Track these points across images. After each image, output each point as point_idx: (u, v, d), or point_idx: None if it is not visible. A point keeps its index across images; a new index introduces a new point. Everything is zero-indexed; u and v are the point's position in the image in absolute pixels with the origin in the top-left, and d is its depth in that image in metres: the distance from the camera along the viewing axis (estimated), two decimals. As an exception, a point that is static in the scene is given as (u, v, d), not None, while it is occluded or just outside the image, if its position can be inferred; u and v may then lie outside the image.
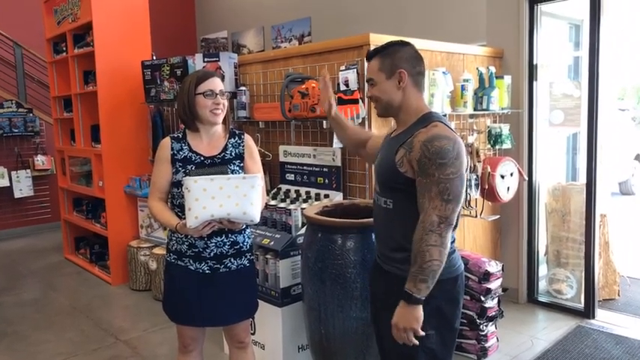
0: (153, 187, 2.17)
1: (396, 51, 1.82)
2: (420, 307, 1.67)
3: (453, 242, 1.84)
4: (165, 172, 2.13)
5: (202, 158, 2.13)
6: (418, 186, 1.70)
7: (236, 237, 2.18)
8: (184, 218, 2.02)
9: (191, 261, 2.13)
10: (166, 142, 2.16)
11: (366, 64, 1.94)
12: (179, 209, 2.13)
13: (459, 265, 1.85)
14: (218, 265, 2.14)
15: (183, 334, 2.24)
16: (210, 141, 2.17)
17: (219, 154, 2.16)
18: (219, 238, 2.13)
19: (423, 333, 1.69)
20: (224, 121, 2.19)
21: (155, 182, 2.16)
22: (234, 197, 1.97)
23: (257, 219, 2.05)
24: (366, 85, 2.85)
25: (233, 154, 2.18)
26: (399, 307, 1.70)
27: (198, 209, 1.94)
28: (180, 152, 2.13)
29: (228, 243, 2.15)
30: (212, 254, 2.13)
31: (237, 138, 2.22)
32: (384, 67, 1.82)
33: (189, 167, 2.10)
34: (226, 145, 2.18)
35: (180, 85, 3.53)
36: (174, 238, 2.17)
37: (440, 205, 1.64)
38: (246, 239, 2.23)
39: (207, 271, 2.13)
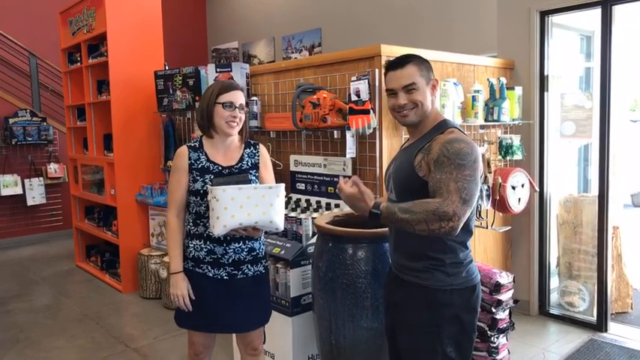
0: (171, 199, 2.19)
1: (426, 60, 1.83)
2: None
3: (469, 251, 1.84)
4: (184, 182, 2.15)
5: (220, 168, 2.16)
6: (431, 180, 1.66)
7: (253, 243, 2.21)
8: (204, 226, 2.11)
9: (209, 267, 2.15)
10: (184, 150, 2.18)
11: (398, 70, 1.80)
12: (195, 216, 2.16)
13: (476, 274, 1.84)
14: (236, 272, 2.16)
15: (196, 342, 2.24)
16: (226, 151, 2.20)
17: (236, 164, 2.19)
18: (237, 245, 2.16)
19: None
20: (241, 132, 2.22)
21: (173, 193, 2.17)
22: (261, 206, 2.00)
23: (282, 227, 2.10)
24: (377, 95, 2.91)
25: (249, 164, 2.21)
26: (365, 206, 1.71)
27: (227, 218, 1.96)
28: (198, 162, 2.15)
29: (245, 249, 2.18)
30: (230, 260, 2.15)
31: (252, 148, 2.25)
32: (423, 73, 1.80)
33: (207, 177, 2.12)
34: (242, 155, 2.21)
35: (195, 93, 3.60)
36: (191, 245, 2.18)
37: (458, 201, 1.59)
38: (262, 246, 2.27)
39: (225, 277, 2.15)
